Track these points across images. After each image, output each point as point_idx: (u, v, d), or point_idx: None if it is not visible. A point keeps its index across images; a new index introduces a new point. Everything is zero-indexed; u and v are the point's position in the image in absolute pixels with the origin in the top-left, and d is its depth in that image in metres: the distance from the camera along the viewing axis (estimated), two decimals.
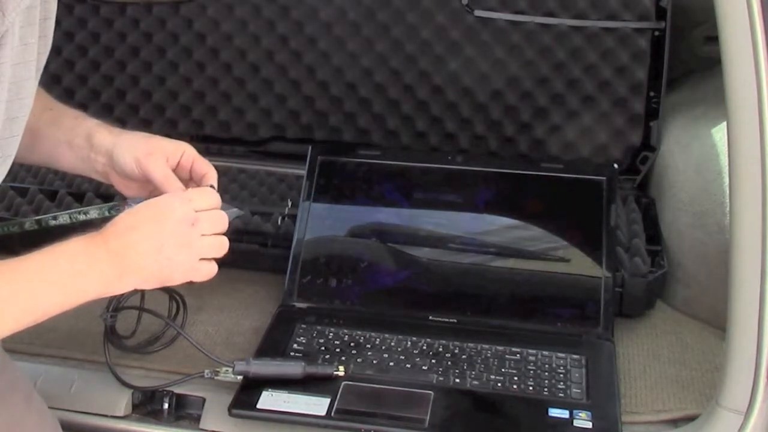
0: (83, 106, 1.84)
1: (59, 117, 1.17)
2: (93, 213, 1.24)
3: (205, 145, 1.81)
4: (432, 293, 1.39)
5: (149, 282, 1.05)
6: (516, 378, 1.22)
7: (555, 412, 1.15)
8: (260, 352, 1.27)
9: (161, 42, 1.82)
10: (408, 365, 1.25)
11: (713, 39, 1.06)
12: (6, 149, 0.96)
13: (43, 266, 0.96)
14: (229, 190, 1.71)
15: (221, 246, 1.08)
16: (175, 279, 1.06)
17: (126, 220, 1.03)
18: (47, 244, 0.97)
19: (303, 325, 1.33)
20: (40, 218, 1.31)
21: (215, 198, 1.09)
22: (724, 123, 1.06)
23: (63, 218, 1.30)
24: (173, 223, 1.04)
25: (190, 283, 1.07)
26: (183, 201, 1.06)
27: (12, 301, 0.93)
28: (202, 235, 1.05)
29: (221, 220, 1.08)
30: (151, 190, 1.14)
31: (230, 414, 1.16)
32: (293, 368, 1.20)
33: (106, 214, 1.21)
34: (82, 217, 1.31)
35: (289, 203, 1.61)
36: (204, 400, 1.20)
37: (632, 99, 1.69)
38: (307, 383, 1.19)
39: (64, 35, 1.85)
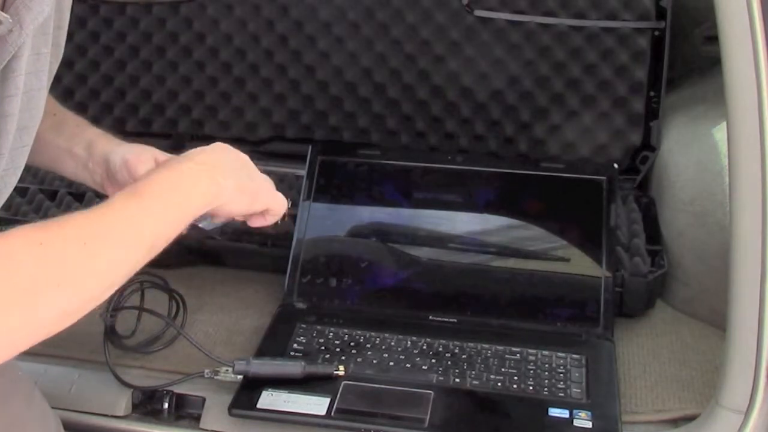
0: (83, 106, 1.84)
1: (61, 123, 1.16)
2: None
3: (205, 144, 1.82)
4: (432, 293, 1.39)
5: (243, 190, 1.04)
6: (516, 378, 1.22)
7: (555, 412, 1.15)
8: (260, 352, 1.27)
9: (161, 42, 1.82)
10: (408, 365, 1.25)
11: (713, 39, 1.06)
12: (16, 160, 0.95)
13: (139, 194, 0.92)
14: None
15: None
16: (261, 196, 1.09)
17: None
18: None
19: (303, 325, 1.33)
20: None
21: None
22: (724, 123, 1.06)
23: None
24: (242, 155, 1.08)
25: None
26: None
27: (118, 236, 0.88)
28: None
29: None
30: None
31: (230, 414, 1.16)
32: (293, 368, 1.20)
33: None
34: None
35: (289, 203, 1.61)
36: (204, 399, 1.20)
37: (632, 99, 1.69)
38: (307, 383, 1.19)
39: None
